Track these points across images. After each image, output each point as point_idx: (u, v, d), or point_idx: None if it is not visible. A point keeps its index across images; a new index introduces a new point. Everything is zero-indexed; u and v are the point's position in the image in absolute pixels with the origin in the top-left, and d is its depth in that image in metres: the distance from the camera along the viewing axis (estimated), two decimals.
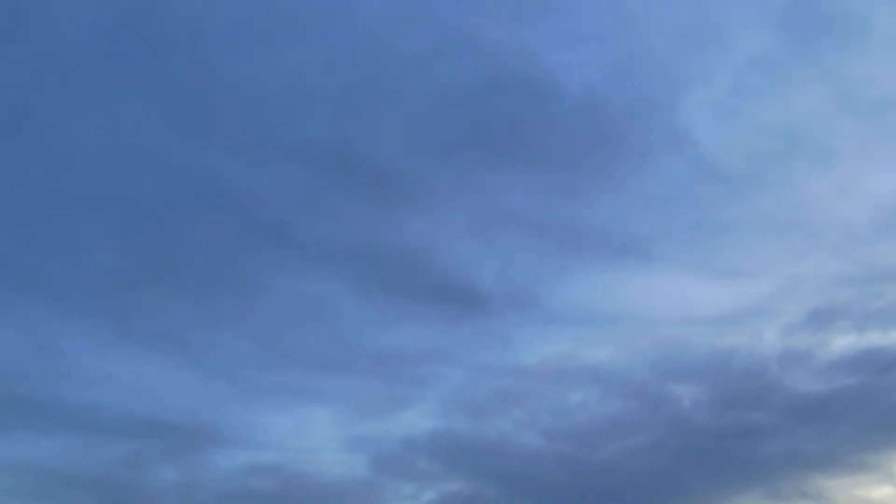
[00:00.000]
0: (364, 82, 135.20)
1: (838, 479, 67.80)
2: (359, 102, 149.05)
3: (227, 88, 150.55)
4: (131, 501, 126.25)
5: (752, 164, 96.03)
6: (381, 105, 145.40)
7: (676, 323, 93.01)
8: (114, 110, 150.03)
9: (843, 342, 75.20)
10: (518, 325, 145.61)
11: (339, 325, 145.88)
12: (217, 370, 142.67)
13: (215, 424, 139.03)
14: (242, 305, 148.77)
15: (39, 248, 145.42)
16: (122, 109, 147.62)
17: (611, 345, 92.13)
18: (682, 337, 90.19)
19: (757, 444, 79.20)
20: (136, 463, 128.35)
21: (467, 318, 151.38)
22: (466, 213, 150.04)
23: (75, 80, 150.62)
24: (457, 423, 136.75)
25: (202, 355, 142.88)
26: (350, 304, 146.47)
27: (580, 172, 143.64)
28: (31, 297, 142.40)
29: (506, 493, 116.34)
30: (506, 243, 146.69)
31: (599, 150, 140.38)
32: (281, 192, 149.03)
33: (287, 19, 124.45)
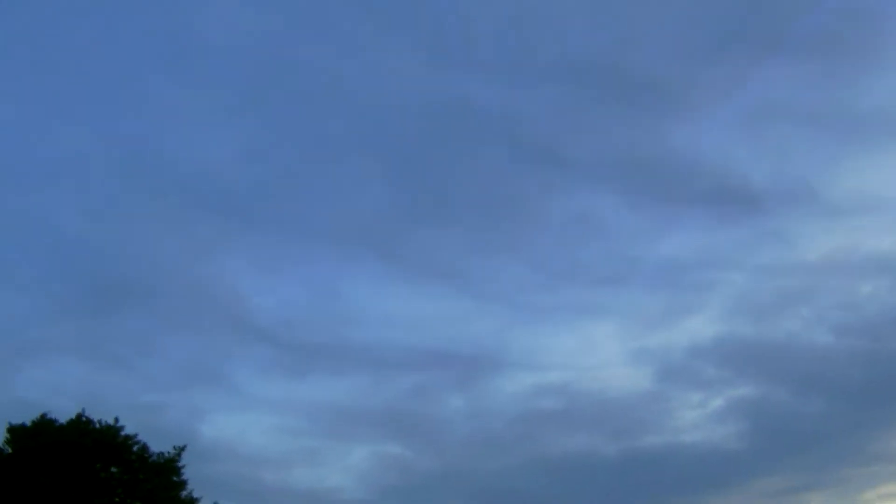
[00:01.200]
0: None
1: None
2: (615, 13, 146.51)
3: (479, 16, 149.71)
4: (422, 431, 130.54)
5: None
6: (639, 13, 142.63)
7: None
8: (370, 55, 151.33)
9: None
10: (797, 220, 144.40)
11: (614, 239, 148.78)
12: (496, 296, 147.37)
13: (498, 350, 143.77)
14: (516, 230, 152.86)
15: (312, 195, 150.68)
16: (378, 53, 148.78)
17: None
18: None
19: None
20: (423, 394, 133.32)
21: (743, 219, 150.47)
22: (733, 112, 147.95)
23: (333, 31, 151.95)
24: (741, 327, 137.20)
25: (480, 283, 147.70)
26: (624, 217, 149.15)
27: (846, 56, 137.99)
28: (310, 246, 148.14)
29: (797, 394, 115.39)
30: (776, 138, 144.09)
31: (864, 30, 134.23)
32: (544, 112, 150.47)
33: None
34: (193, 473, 54.15)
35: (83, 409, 52.89)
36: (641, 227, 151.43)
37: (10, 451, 51.57)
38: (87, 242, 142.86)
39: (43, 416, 52.25)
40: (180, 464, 53.42)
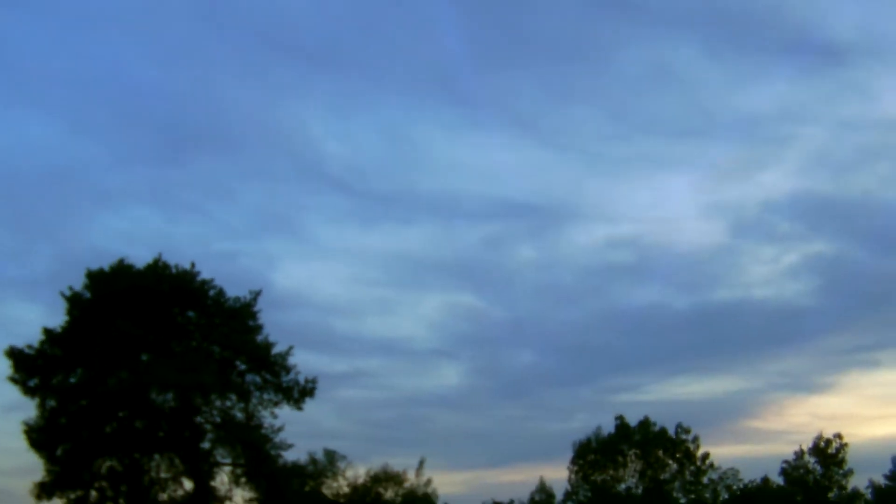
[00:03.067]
0: None
1: None
2: None
3: None
4: (493, 281, 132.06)
5: None
6: None
7: None
8: None
9: None
10: (881, 75, 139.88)
11: (691, 89, 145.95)
12: (570, 146, 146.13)
13: (571, 201, 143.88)
14: (592, 79, 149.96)
15: (386, 41, 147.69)
16: None
17: None
18: None
19: None
20: (495, 244, 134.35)
21: (826, 71, 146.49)
22: None
23: None
24: (818, 182, 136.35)
25: (554, 133, 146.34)
26: (702, 67, 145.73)
27: None
28: (382, 92, 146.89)
29: (872, 252, 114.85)
30: None
31: None
32: None
33: None
34: (266, 321, 54.80)
35: (160, 255, 53.28)
36: (720, 78, 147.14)
37: (89, 295, 52.25)
38: (160, 89, 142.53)
39: (121, 262, 52.66)
40: (256, 308, 53.85)
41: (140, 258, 53.59)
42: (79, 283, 52.88)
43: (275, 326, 54.69)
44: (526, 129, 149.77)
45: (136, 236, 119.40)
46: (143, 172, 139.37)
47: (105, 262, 53.22)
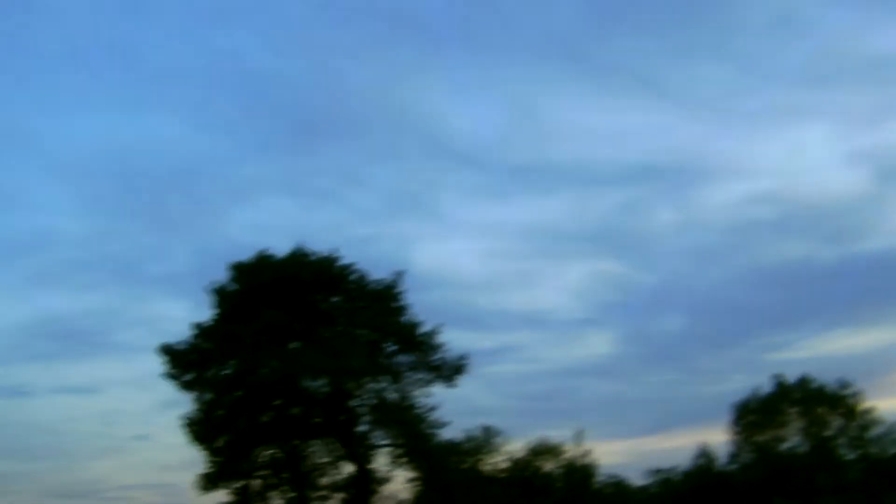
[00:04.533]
0: None
1: None
2: None
3: None
4: (634, 246, 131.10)
5: None
6: None
7: None
8: None
9: None
10: None
11: (821, 34, 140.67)
12: (699, 103, 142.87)
13: (705, 159, 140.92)
14: (716, 33, 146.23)
15: (507, 12, 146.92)
16: None
17: None
18: None
19: None
20: (632, 209, 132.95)
21: None
22: None
23: None
24: None
25: (681, 91, 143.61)
26: (829, 12, 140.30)
27: None
28: (503, 65, 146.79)
29: None
30: None
31: None
32: None
33: None
34: (409, 302, 53.99)
35: (300, 243, 53.25)
36: (848, 22, 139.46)
37: (234, 288, 52.62)
38: (284, 78, 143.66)
39: (262, 253, 52.85)
40: (399, 290, 53.29)
41: (278, 248, 53.84)
42: (219, 276, 53.51)
43: (418, 307, 54.04)
44: (653, 91, 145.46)
45: (272, 227, 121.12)
46: (274, 163, 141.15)
47: (243, 255, 53.77)
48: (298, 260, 52.50)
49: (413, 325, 52.75)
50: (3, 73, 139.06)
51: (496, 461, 61.68)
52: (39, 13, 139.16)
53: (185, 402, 53.29)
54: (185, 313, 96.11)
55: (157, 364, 52.67)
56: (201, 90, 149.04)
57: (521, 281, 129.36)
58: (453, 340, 53.11)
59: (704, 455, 66.57)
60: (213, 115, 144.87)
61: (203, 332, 52.51)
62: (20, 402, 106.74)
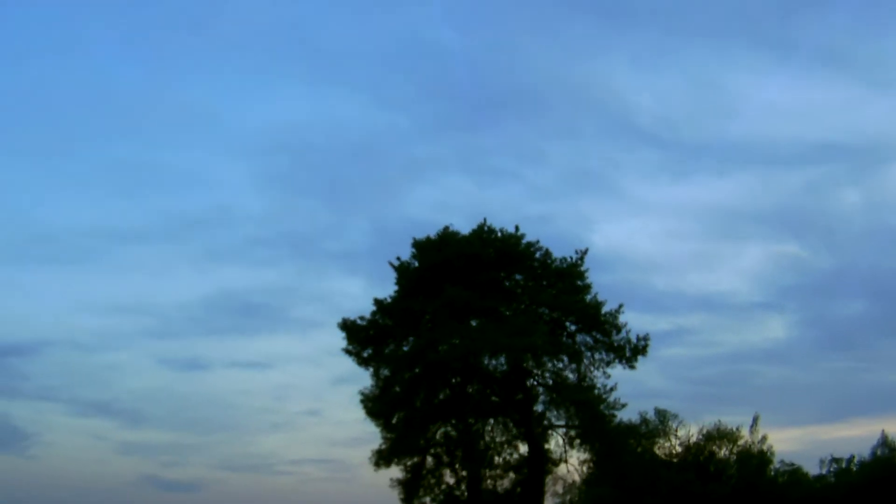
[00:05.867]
0: None
1: None
2: None
3: None
4: (816, 228, 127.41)
5: None
6: None
7: None
8: None
9: None
10: None
11: None
12: (888, 79, 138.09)
13: (893, 138, 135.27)
14: None
15: None
16: None
17: None
18: None
19: None
20: (816, 189, 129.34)
21: None
22: None
23: None
24: None
25: (870, 67, 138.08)
26: None
27: None
28: (684, 41, 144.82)
29: None
30: None
31: None
32: None
33: None
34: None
35: (484, 220, 52.79)
36: None
37: (416, 264, 52.49)
38: (462, 56, 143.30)
39: (446, 229, 52.57)
40: (582, 268, 52.39)
41: (455, 226, 53.45)
42: (396, 253, 53.62)
43: (596, 287, 53.07)
44: (840, 66, 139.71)
45: (450, 204, 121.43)
46: (452, 140, 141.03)
47: (419, 232, 53.65)
48: (482, 237, 52.07)
49: (596, 305, 51.82)
50: (185, 57, 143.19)
51: (670, 445, 60.53)
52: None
53: (356, 379, 53.79)
54: (360, 290, 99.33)
55: (331, 340, 53.14)
56: (380, 68, 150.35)
57: (698, 262, 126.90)
58: (629, 322, 52.07)
59: (886, 445, 63.88)
60: (392, 93, 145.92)
61: (383, 307, 52.57)
62: (197, 376, 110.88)
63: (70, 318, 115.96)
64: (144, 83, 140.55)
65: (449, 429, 52.85)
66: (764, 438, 61.70)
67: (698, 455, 60.33)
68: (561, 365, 52.09)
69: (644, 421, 57.97)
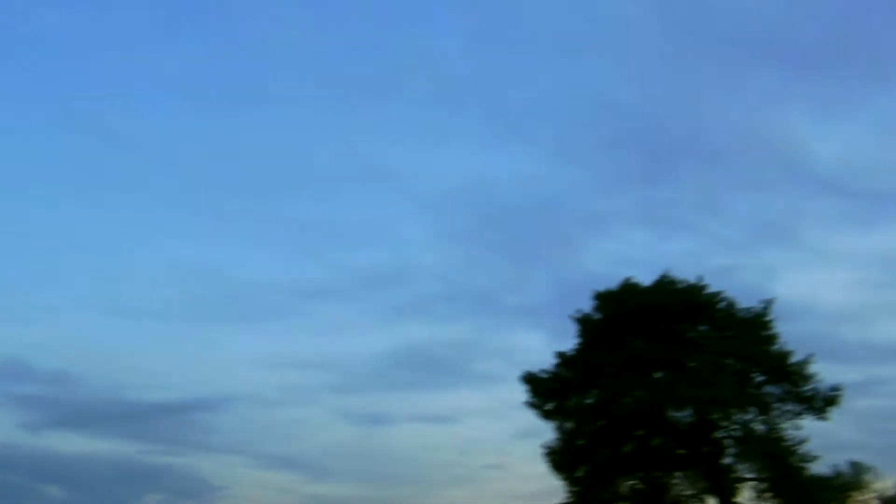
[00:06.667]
0: None
1: None
2: None
3: None
4: None
5: None
6: None
7: None
8: None
9: None
10: None
11: None
12: None
13: None
14: None
15: (868, 37, 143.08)
16: None
17: None
18: None
19: None
20: None
21: None
22: None
23: None
24: None
25: None
26: None
27: None
28: (870, 89, 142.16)
29: None
30: None
31: None
32: None
33: None
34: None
35: (666, 271, 52.90)
36: None
37: (598, 316, 52.85)
38: (641, 109, 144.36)
39: (627, 281, 52.88)
40: (769, 318, 51.64)
41: (637, 279, 53.76)
42: (576, 307, 54.11)
43: (783, 337, 52.11)
44: None
45: (629, 257, 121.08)
46: (631, 194, 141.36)
47: (599, 286, 54.08)
48: (664, 288, 52.12)
49: (784, 355, 50.88)
50: (366, 115, 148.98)
51: (865, 499, 58.25)
52: (405, 56, 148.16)
53: (539, 432, 54.19)
54: (541, 343, 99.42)
55: (513, 394, 53.87)
56: (560, 123, 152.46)
57: (889, 312, 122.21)
58: (818, 372, 50.86)
59: None
60: (571, 148, 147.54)
61: (565, 360, 53.13)
62: (380, 430, 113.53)
63: (256, 373, 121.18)
64: (328, 143, 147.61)
65: (635, 482, 52.53)
66: None
67: None
68: (749, 416, 51.17)
69: (838, 474, 56.08)
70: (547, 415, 53.58)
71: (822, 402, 50.15)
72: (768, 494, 51.04)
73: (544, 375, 53.38)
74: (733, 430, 51.44)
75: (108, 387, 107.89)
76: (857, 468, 56.97)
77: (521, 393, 54.10)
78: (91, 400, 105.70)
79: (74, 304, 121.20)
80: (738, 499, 51.83)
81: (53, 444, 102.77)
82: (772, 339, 51.33)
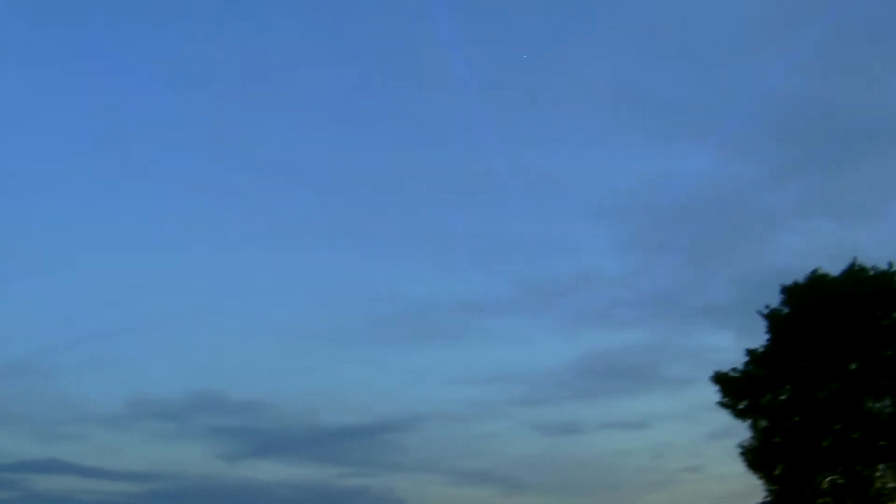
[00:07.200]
0: None
1: None
2: None
3: None
4: None
5: None
6: None
7: None
8: None
9: None
10: None
11: None
12: None
13: None
14: None
15: None
16: None
17: None
18: None
19: None
20: None
21: None
22: None
23: None
24: None
25: None
26: None
27: None
28: None
29: None
30: None
31: None
32: None
33: None
34: None
35: (855, 259, 52.59)
36: None
37: (787, 310, 52.95)
38: (811, 96, 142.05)
39: (815, 272, 52.81)
40: None
41: (825, 269, 53.45)
42: (761, 303, 54.04)
43: None
44: None
45: (813, 249, 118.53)
46: (810, 184, 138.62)
47: (785, 279, 53.87)
48: (854, 276, 51.73)
49: None
50: (532, 125, 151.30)
51: None
52: (556, 59, 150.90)
53: (734, 432, 54.27)
54: (728, 343, 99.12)
55: (704, 395, 54.12)
56: (729, 117, 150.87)
57: None
58: None
59: None
60: (743, 142, 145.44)
61: (756, 358, 53.21)
62: (571, 439, 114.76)
63: (441, 391, 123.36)
64: (496, 155, 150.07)
65: (835, 477, 52.04)
66: None
67: None
68: None
69: None
70: (740, 414, 53.72)
71: None
72: None
73: (735, 374, 53.58)
74: None
75: (300, 413, 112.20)
76: None
77: (713, 394, 54.34)
78: (285, 427, 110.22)
79: (260, 334, 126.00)
80: None
81: (251, 472, 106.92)
82: None
